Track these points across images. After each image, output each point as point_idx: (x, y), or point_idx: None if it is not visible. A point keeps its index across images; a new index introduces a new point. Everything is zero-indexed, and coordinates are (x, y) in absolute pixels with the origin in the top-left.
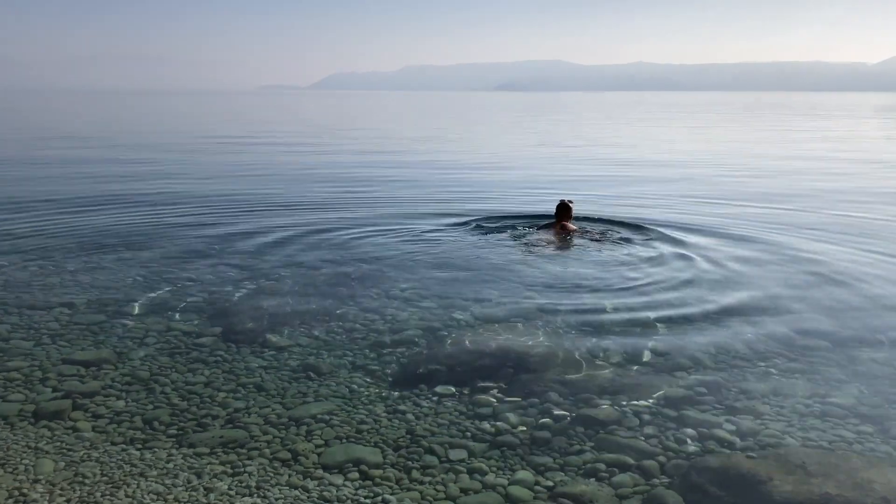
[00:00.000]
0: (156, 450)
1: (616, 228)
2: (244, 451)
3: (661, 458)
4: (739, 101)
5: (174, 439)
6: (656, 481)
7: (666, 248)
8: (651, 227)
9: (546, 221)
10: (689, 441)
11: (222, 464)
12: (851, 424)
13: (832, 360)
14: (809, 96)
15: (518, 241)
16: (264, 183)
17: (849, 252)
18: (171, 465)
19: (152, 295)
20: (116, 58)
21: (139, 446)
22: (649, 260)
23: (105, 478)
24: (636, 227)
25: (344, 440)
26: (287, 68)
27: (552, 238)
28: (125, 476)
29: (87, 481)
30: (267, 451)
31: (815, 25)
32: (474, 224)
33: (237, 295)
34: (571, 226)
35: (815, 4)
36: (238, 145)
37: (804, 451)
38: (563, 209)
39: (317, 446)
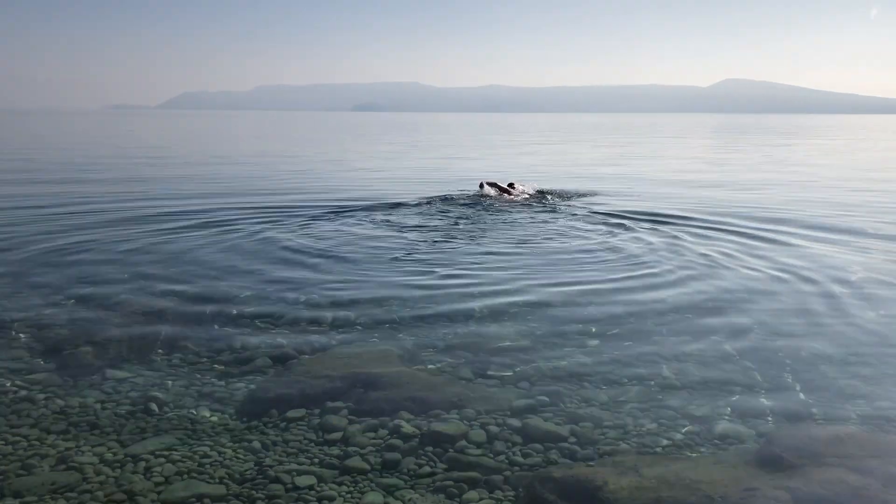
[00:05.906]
0: None
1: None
2: (74, 494)
3: (507, 473)
4: (588, 122)
5: None
6: (501, 495)
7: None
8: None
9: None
10: (533, 453)
11: None
12: (680, 427)
13: (665, 365)
14: (656, 117)
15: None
16: (94, 199)
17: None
18: None
19: None
20: None
21: None
22: (508, 269)
23: None
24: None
25: (185, 475)
26: (135, 87)
27: (496, 199)
28: None
29: None
30: (100, 493)
31: (653, 51)
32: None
33: (72, 326)
34: (513, 190)
35: (652, 31)
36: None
37: (638, 457)
38: (491, 184)
39: (156, 484)
